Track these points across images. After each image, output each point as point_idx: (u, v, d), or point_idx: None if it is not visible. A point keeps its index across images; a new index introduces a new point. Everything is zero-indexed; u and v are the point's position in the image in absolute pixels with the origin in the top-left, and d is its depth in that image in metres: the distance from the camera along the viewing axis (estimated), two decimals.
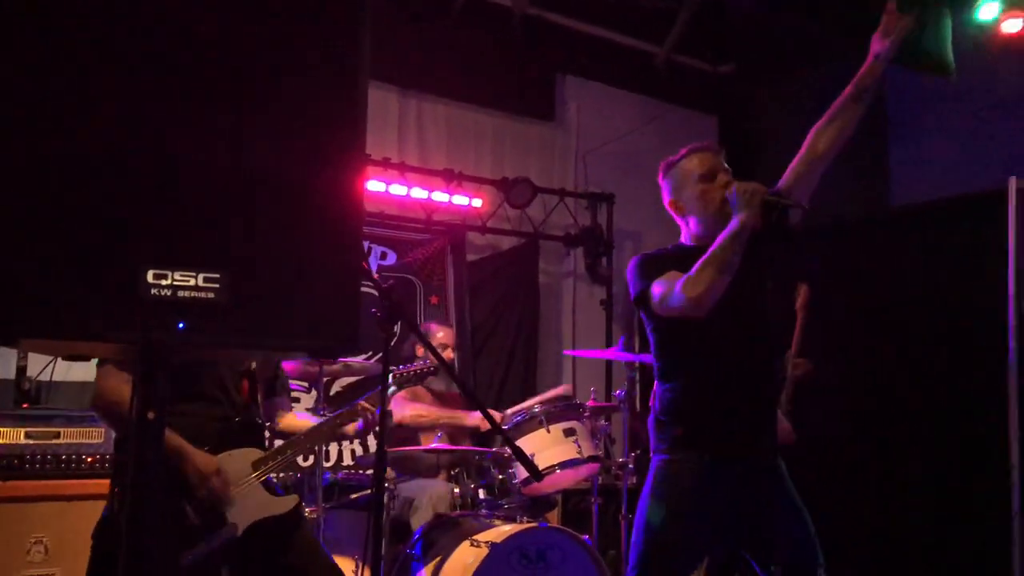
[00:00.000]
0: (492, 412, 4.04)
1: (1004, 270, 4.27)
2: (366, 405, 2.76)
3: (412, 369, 3.07)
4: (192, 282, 1.09)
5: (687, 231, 2.51)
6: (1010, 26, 4.65)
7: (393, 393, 3.18)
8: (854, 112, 2.42)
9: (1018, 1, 4.51)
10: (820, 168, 2.42)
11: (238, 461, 2.41)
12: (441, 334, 4.35)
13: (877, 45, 2.43)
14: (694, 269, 2.24)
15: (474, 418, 4.07)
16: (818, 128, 2.46)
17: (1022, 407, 4.18)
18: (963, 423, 4.43)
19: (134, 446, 1.22)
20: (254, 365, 2.51)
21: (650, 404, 2.46)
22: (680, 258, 2.38)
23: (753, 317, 2.40)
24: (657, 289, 2.32)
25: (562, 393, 4.33)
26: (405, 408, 4.05)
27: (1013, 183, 4.28)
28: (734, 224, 2.25)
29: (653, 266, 2.39)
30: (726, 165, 2.46)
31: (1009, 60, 4.85)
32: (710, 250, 2.24)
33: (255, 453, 2.46)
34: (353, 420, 2.74)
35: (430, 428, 3.85)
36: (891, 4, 2.44)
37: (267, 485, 2.46)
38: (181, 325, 1.09)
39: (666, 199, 2.52)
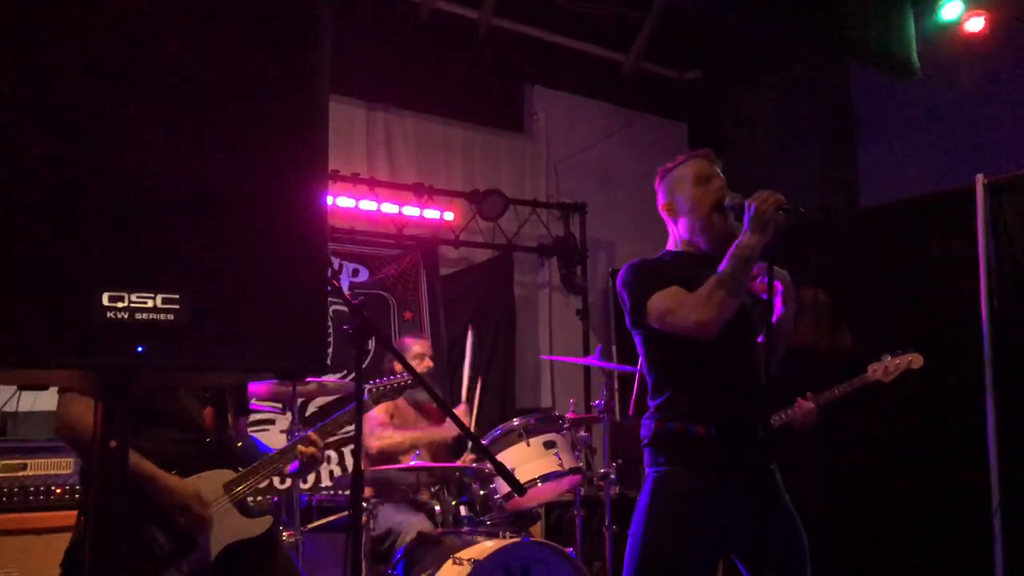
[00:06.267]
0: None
1: (975, 267, 4.31)
2: (313, 439, 2.58)
3: (388, 383, 3.02)
4: (150, 304, 1.05)
5: (675, 233, 2.50)
6: (973, 25, 4.73)
7: (367, 409, 3.11)
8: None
9: (980, 0, 4.58)
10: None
11: (209, 484, 2.36)
12: (417, 347, 4.31)
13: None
14: (704, 290, 2.20)
15: (450, 428, 4.03)
16: None
17: (999, 403, 4.20)
18: (940, 420, 4.45)
19: (97, 476, 1.17)
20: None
21: (643, 419, 2.42)
22: (678, 267, 2.37)
23: (744, 325, 2.37)
24: (659, 304, 2.28)
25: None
26: (382, 436, 4.00)
27: (980, 180, 4.33)
28: (744, 244, 2.19)
29: (650, 277, 2.35)
30: (720, 172, 2.46)
31: (972, 58, 4.92)
32: (721, 270, 2.20)
33: (227, 475, 2.40)
34: (303, 457, 2.60)
35: (408, 451, 3.79)
36: None
37: (241, 507, 2.40)
38: (140, 349, 1.05)
39: (660, 202, 2.52)
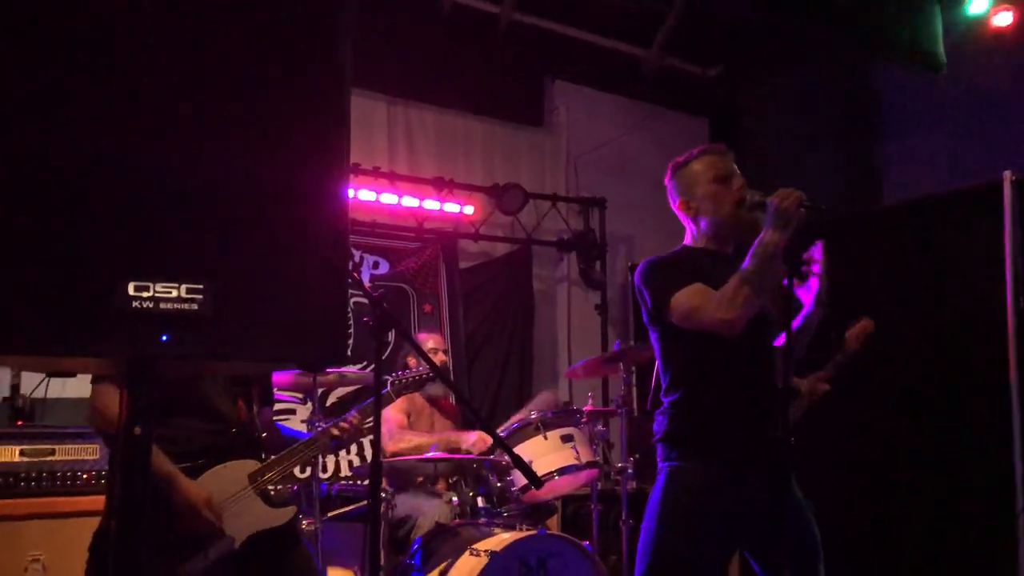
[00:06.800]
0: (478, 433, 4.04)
1: (1001, 265, 4.26)
2: (353, 419, 2.69)
3: (410, 376, 3.04)
4: (174, 293, 1.07)
5: (695, 231, 2.48)
6: (1001, 19, 4.67)
7: (390, 401, 3.14)
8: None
9: None
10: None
11: (233, 473, 2.39)
12: (431, 342, 4.33)
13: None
14: (729, 288, 2.20)
15: (468, 441, 4.05)
16: None
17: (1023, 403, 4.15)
18: (964, 420, 4.40)
19: (121, 462, 1.20)
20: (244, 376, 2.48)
21: (656, 414, 2.43)
22: (697, 264, 2.37)
23: (762, 323, 2.37)
24: (683, 302, 2.27)
25: (549, 401, 4.26)
26: (399, 440, 4.02)
27: (1008, 177, 4.27)
28: (767, 241, 2.18)
29: (671, 273, 2.35)
30: (737, 168, 2.44)
31: (1000, 53, 4.86)
32: (744, 268, 2.20)
33: (251, 465, 2.43)
34: (343, 434, 2.69)
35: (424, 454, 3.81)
36: None
37: (264, 497, 2.43)
38: (164, 338, 1.07)
39: (674, 201, 2.50)
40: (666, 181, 2.53)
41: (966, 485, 4.36)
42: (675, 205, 2.51)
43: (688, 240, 2.51)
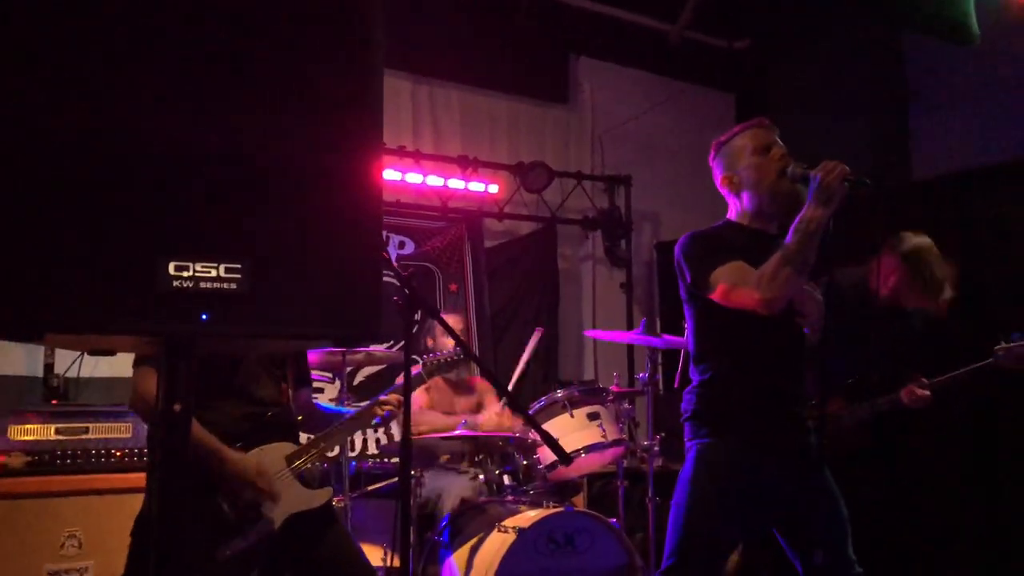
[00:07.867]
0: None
1: None
2: (388, 399, 2.72)
3: (441, 357, 3.04)
4: (213, 273, 1.09)
5: (738, 207, 2.45)
6: None
7: (421, 382, 3.14)
8: None
9: None
10: None
11: (271, 456, 2.41)
12: (449, 322, 4.32)
13: None
14: (769, 267, 2.16)
15: (480, 421, 4.08)
16: None
17: None
18: (999, 399, 4.32)
19: (161, 439, 1.22)
20: (277, 357, 2.49)
21: (684, 392, 2.43)
22: (738, 240, 2.35)
23: (796, 310, 2.35)
24: (723, 279, 2.25)
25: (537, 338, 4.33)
26: (420, 423, 4.02)
27: None
28: (809, 217, 2.13)
29: (712, 249, 2.32)
30: (779, 140, 2.41)
31: None
32: (786, 245, 2.16)
33: (288, 447, 2.45)
34: (380, 412, 2.72)
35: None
36: None
37: (301, 479, 2.45)
38: (204, 316, 1.09)
39: (718, 176, 2.47)
40: (710, 160, 2.51)
41: (998, 465, 4.29)
42: (718, 182, 2.48)
43: (732, 216, 2.47)
